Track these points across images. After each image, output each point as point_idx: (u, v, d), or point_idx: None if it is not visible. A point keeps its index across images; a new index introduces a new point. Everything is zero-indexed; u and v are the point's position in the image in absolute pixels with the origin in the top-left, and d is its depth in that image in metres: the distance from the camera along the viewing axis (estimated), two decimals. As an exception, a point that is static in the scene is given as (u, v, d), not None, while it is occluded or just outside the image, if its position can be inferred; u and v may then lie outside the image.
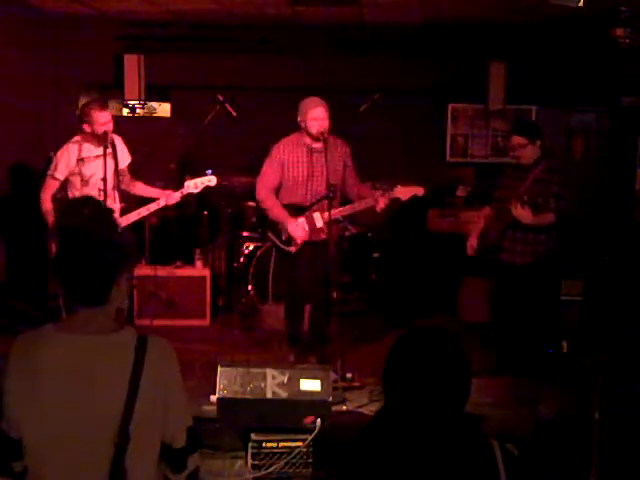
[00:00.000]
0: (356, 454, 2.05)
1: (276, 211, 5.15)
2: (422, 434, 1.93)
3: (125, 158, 5.22)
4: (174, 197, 5.16)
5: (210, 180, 5.29)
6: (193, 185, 5.22)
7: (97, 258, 1.93)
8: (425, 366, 1.93)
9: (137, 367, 1.92)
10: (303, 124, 5.03)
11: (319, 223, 5.11)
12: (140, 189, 5.30)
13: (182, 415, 2.07)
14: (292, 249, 5.19)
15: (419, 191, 5.07)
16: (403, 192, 5.05)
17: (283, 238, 5.21)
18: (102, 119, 4.90)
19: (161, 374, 1.98)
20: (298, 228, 5.10)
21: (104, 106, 5.02)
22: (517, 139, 4.99)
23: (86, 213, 2.07)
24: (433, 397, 1.91)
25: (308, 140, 5.06)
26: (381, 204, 5.01)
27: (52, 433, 1.90)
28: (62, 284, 1.98)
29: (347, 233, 6.44)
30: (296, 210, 5.16)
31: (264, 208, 5.25)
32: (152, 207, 5.15)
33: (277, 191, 5.20)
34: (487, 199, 5.49)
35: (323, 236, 5.08)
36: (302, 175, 5.11)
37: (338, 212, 5.05)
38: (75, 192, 5.04)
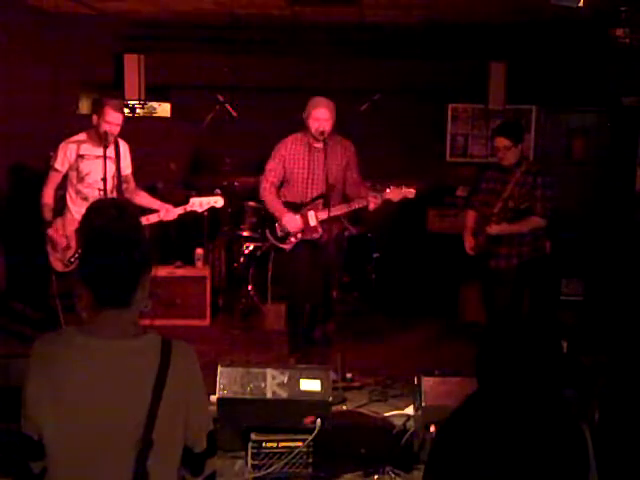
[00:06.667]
0: (449, 437, 2.11)
1: (273, 204, 5.23)
2: (516, 417, 2.01)
3: (127, 165, 5.22)
4: (173, 213, 5.15)
5: (216, 201, 5.27)
6: (198, 204, 5.21)
7: (124, 258, 1.91)
8: (519, 353, 2.02)
9: (161, 372, 1.91)
10: (306, 122, 5.10)
11: (312, 222, 5.18)
12: (142, 199, 5.28)
13: (204, 419, 2.07)
14: (286, 247, 5.25)
15: (410, 194, 5.11)
16: (394, 194, 5.10)
17: (278, 235, 5.27)
18: (111, 119, 4.89)
19: (185, 379, 1.97)
20: (292, 220, 5.17)
21: (119, 108, 5.01)
22: (502, 141, 4.98)
23: (113, 213, 2.05)
24: (526, 381, 2.00)
25: (310, 138, 5.13)
26: (372, 205, 5.07)
27: (73, 436, 1.88)
28: (87, 285, 1.96)
29: (346, 233, 6.45)
30: (294, 208, 5.23)
31: (263, 201, 5.34)
32: (152, 218, 5.14)
33: (281, 188, 5.29)
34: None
35: (316, 235, 5.16)
36: (302, 172, 5.19)
37: (332, 211, 5.07)
38: (71, 188, 5.04)
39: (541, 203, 4.90)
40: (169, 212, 5.15)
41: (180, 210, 5.18)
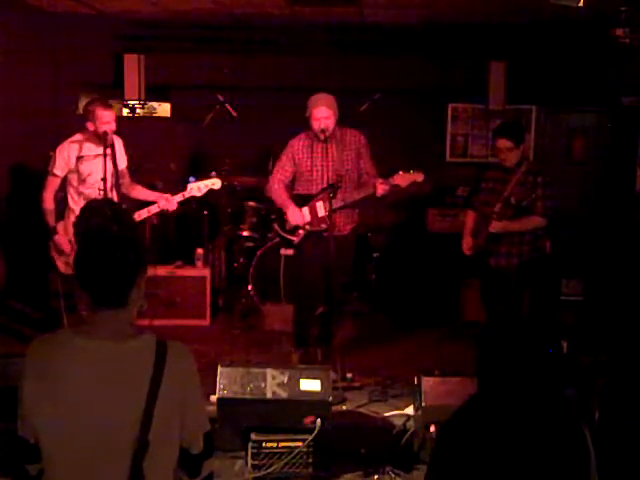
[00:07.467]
0: (451, 437, 2.12)
1: (278, 199, 5.32)
2: (516, 417, 2.02)
3: (122, 160, 5.22)
4: (173, 202, 5.15)
5: (214, 183, 5.29)
6: (196, 188, 5.21)
7: (118, 258, 1.92)
8: (519, 353, 2.03)
9: (157, 374, 1.91)
10: (308, 121, 5.15)
11: (321, 212, 5.21)
12: (139, 192, 5.29)
13: (201, 420, 2.06)
14: (294, 239, 5.29)
15: (419, 177, 5.09)
16: (402, 178, 5.09)
17: (287, 227, 5.32)
18: (105, 118, 4.90)
19: (180, 380, 1.97)
20: (296, 214, 5.22)
21: (108, 105, 5.02)
22: (504, 142, 4.98)
23: (107, 213, 2.05)
24: (526, 381, 2.01)
25: (315, 134, 5.16)
26: (380, 190, 5.04)
27: (69, 436, 1.88)
28: (83, 285, 1.96)
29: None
30: (304, 200, 5.28)
31: (271, 198, 5.41)
32: (153, 209, 5.15)
33: (294, 184, 5.37)
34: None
35: (324, 225, 5.16)
36: (310, 166, 5.24)
37: (340, 201, 5.08)
38: (72, 191, 5.04)
39: (541, 202, 4.91)
40: (169, 201, 5.14)
41: (179, 197, 5.18)
